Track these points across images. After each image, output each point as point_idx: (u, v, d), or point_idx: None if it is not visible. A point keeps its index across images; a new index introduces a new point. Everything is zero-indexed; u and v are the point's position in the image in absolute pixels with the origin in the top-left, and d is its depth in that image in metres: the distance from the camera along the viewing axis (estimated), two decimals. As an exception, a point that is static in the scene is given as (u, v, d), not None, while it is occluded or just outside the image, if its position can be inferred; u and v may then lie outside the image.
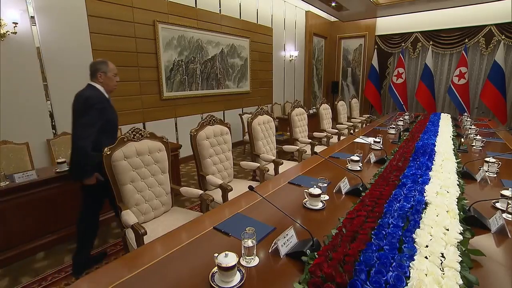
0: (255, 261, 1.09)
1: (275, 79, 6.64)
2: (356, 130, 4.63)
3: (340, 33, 8.18)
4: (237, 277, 0.98)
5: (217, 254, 0.98)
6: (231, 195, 2.01)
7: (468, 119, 4.30)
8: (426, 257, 0.98)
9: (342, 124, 5.06)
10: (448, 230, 1.16)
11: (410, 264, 0.94)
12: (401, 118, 4.37)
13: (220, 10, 5.02)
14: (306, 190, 1.58)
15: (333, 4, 6.26)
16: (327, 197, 1.65)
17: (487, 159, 2.11)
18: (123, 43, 3.69)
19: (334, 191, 1.75)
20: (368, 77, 7.64)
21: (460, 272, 0.93)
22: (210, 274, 1.00)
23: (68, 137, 2.74)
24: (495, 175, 2.02)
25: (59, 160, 2.47)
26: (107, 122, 2.00)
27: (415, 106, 7.28)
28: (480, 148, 2.78)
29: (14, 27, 2.75)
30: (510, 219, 1.39)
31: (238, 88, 5.67)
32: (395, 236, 1.10)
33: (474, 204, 1.40)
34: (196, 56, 4.73)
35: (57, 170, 2.43)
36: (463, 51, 6.26)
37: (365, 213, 1.29)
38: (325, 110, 4.74)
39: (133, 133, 1.88)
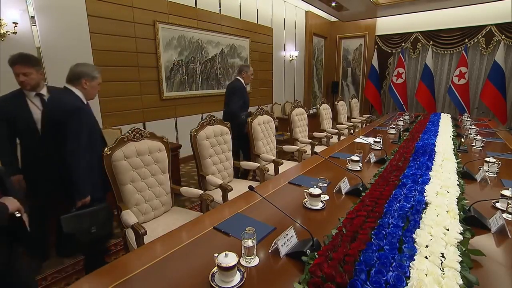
0: (255, 261, 1.09)
1: (275, 79, 6.63)
2: (356, 130, 4.63)
3: (340, 33, 8.17)
4: (237, 277, 0.98)
5: (217, 254, 0.98)
6: (231, 195, 2.01)
7: (468, 119, 4.30)
8: (426, 257, 0.98)
9: (342, 124, 5.06)
10: (448, 230, 1.16)
11: (410, 264, 0.95)
12: (401, 118, 4.37)
13: (220, 10, 5.01)
14: (306, 190, 1.58)
15: (333, 4, 6.26)
16: (327, 197, 1.65)
17: (487, 159, 2.11)
18: (123, 43, 3.69)
19: (334, 191, 1.75)
20: (368, 77, 7.63)
21: (460, 272, 0.93)
22: (210, 274, 1.00)
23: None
24: (495, 175, 2.02)
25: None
26: (244, 102, 3.28)
27: (415, 106, 7.28)
28: (480, 148, 2.78)
29: (14, 27, 2.75)
30: (510, 219, 1.39)
31: (238, 88, 5.66)
32: (395, 236, 1.10)
33: (474, 204, 1.40)
34: (196, 56, 4.73)
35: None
36: (463, 51, 6.25)
37: (365, 213, 1.29)
38: (325, 110, 4.73)
39: (133, 133, 1.89)
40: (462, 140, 2.82)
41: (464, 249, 1.09)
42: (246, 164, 2.73)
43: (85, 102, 1.85)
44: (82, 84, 1.80)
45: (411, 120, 4.43)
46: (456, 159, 2.20)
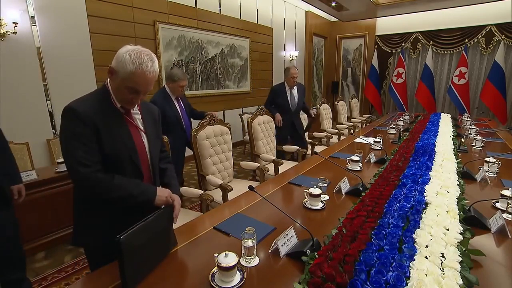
0: (255, 261, 1.09)
1: (275, 79, 6.63)
2: (356, 130, 4.63)
3: (340, 33, 8.17)
4: (237, 277, 0.98)
5: (217, 254, 0.98)
6: (231, 195, 2.01)
7: (468, 119, 4.30)
8: (426, 257, 0.98)
9: (342, 124, 5.06)
10: (448, 230, 1.16)
11: (410, 264, 0.94)
12: (401, 118, 4.37)
13: (220, 10, 5.02)
14: (306, 190, 1.58)
15: (333, 4, 6.26)
16: (327, 197, 1.65)
17: (487, 159, 2.11)
18: (123, 43, 3.64)
19: (334, 191, 1.75)
20: (368, 77, 7.63)
21: (460, 272, 0.93)
22: (210, 274, 1.00)
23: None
24: (495, 175, 2.02)
25: (59, 160, 2.47)
26: (275, 103, 3.53)
27: (415, 106, 7.27)
28: (480, 148, 2.78)
29: (14, 27, 2.75)
30: (510, 219, 1.39)
31: (238, 88, 5.67)
32: (395, 236, 1.10)
33: (474, 204, 1.40)
34: (196, 56, 4.73)
35: (57, 170, 2.43)
36: (463, 51, 6.25)
37: (365, 213, 1.29)
38: (325, 110, 4.74)
39: (133, 133, 1.88)
40: (462, 140, 2.82)
41: (464, 249, 1.08)
42: (246, 165, 2.73)
43: (172, 97, 2.59)
44: (167, 84, 2.58)
45: (411, 120, 4.43)
46: (456, 159, 2.20)
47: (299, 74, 3.55)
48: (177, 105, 2.66)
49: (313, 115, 3.64)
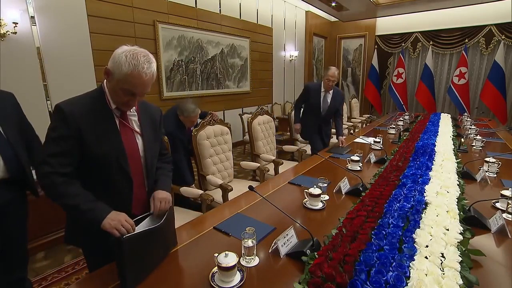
0: (255, 261, 1.09)
1: (275, 79, 6.63)
2: (356, 130, 4.63)
3: (340, 33, 8.17)
4: (237, 277, 0.98)
5: (217, 254, 0.98)
6: (231, 195, 2.01)
7: (468, 119, 4.30)
8: (426, 257, 0.98)
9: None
10: (448, 230, 1.16)
11: (410, 264, 0.95)
12: (401, 118, 4.37)
13: (220, 10, 5.01)
14: (306, 190, 1.58)
15: (333, 4, 6.25)
16: (327, 197, 1.65)
17: (487, 159, 2.11)
18: (123, 43, 3.64)
19: (334, 191, 1.75)
20: (368, 77, 7.63)
21: (460, 272, 0.93)
22: (210, 274, 1.00)
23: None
24: (495, 175, 2.02)
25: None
26: (305, 101, 3.29)
27: (415, 106, 7.27)
28: (480, 148, 2.78)
29: (14, 27, 2.75)
30: (510, 219, 1.39)
31: (238, 88, 5.67)
32: (395, 236, 1.10)
33: (474, 204, 1.40)
34: (196, 56, 4.73)
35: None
36: (463, 51, 6.25)
37: (365, 213, 1.30)
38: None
39: (133, 133, 1.88)
40: (462, 140, 2.82)
41: (464, 249, 1.08)
42: (246, 165, 2.73)
43: (185, 126, 2.45)
44: (179, 115, 2.40)
45: (411, 120, 4.43)
46: (456, 159, 2.20)
47: (337, 79, 3.16)
48: (187, 130, 2.52)
49: (342, 143, 2.98)
